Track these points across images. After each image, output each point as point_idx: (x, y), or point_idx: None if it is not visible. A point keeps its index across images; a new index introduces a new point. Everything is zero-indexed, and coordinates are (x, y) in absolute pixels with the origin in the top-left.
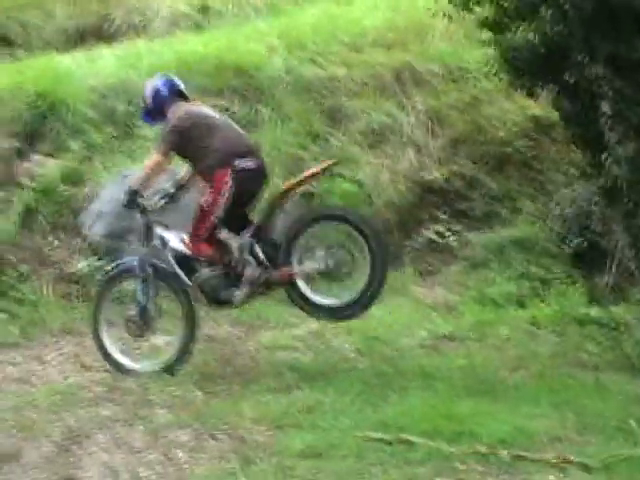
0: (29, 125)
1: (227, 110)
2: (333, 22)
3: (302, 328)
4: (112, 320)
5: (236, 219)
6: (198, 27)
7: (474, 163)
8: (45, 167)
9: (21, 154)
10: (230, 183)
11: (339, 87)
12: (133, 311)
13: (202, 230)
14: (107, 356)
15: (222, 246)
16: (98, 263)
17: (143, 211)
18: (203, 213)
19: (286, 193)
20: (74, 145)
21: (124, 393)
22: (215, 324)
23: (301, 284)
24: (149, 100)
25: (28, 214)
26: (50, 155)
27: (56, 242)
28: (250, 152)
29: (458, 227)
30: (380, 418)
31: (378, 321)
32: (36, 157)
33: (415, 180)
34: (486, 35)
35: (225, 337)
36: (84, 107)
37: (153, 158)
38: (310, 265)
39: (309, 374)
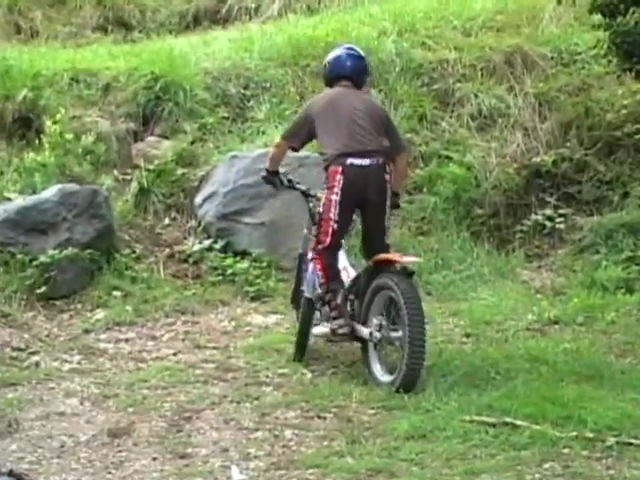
0: (144, 107)
1: None
2: (444, 6)
3: None
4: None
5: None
6: (310, 10)
7: (583, 147)
8: (159, 148)
9: (137, 135)
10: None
11: (449, 70)
12: None
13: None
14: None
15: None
16: (210, 243)
17: (303, 194)
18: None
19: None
20: (187, 127)
21: (234, 372)
22: None
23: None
24: None
25: (143, 194)
26: (164, 136)
27: (169, 222)
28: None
29: (567, 211)
30: (485, 401)
31: (486, 304)
32: (151, 138)
33: (523, 163)
34: (597, 18)
35: None
36: (198, 89)
37: None
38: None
39: None
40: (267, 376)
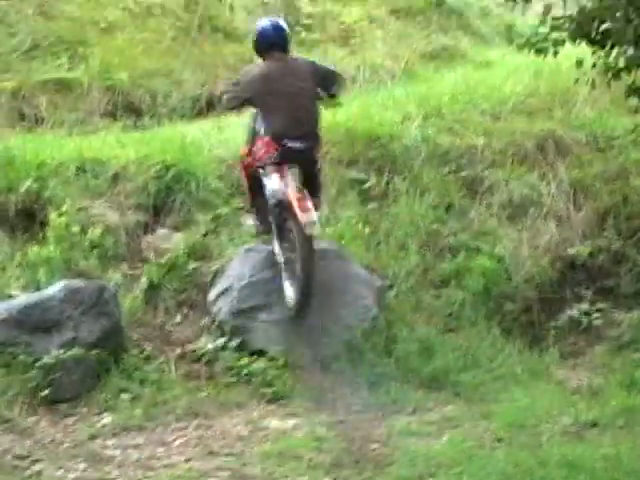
0: (155, 197)
1: (361, 183)
2: (472, 89)
3: (438, 413)
4: None
5: None
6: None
7: (621, 237)
8: (170, 241)
9: (147, 228)
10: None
11: (478, 157)
12: None
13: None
14: None
15: None
16: (224, 342)
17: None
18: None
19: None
20: (200, 218)
21: None
22: (346, 408)
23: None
24: None
25: (153, 290)
26: (176, 228)
27: (181, 319)
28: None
29: (604, 305)
30: None
31: (518, 406)
32: (162, 231)
33: (557, 255)
34: (634, 102)
35: (357, 422)
36: (211, 178)
37: None
38: None
39: (443, 462)
40: None
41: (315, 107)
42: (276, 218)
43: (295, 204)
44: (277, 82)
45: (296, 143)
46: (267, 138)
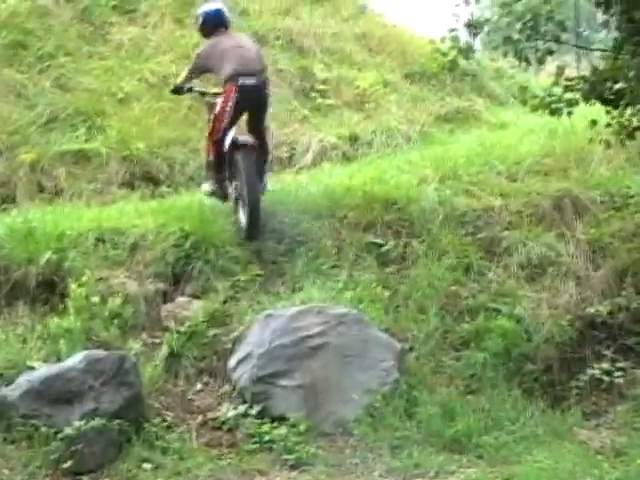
0: (174, 266)
1: (379, 246)
2: (487, 150)
3: (461, 476)
4: None
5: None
6: (346, 157)
7: None
8: (190, 309)
9: (166, 296)
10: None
11: (495, 218)
12: None
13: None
14: None
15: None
16: (245, 409)
17: (200, 93)
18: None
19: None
20: (219, 285)
21: None
22: (368, 473)
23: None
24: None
25: (173, 358)
26: (195, 296)
27: (201, 387)
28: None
29: (625, 364)
30: None
31: (541, 467)
32: (181, 299)
33: (577, 314)
34: None
35: None
36: (230, 246)
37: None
38: None
39: None
40: None
41: (260, 56)
42: (229, 162)
43: (239, 138)
44: (225, 44)
45: (250, 80)
46: (226, 87)
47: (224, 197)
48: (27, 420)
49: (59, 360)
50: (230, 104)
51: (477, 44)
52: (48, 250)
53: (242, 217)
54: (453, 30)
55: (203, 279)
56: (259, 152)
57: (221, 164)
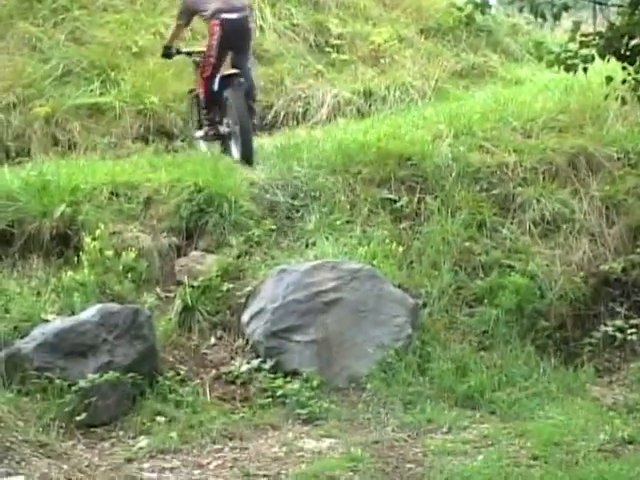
0: (188, 220)
1: (392, 202)
2: (502, 106)
3: (474, 432)
4: None
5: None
6: (361, 113)
7: None
8: (204, 263)
9: (180, 250)
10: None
11: (509, 175)
12: None
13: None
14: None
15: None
16: (258, 363)
17: (187, 54)
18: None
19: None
20: (233, 240)
21: None
22: (381, 428)
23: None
24: None
25: (187, 312)
26: (209, 251)
27: (215, 341)
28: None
29: (638, 321)
30: None
31: (554, 423)
32: (195, 253)
33: (591, 271)
34: None
35: (392, 441)
36: (243, 200)
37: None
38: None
39: None
40: None
41: None
42: (221, 96)
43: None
44: None
45: (232, 14)
46: (211, 23)
47: (217, 137)
48: (41, 373)
49: (73, 313)
50: (215, 38)
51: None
52: (62, 203)
53: (235, 151)
54: None
55: (217, 233)
56: (247, 89)
57: (211, 104)
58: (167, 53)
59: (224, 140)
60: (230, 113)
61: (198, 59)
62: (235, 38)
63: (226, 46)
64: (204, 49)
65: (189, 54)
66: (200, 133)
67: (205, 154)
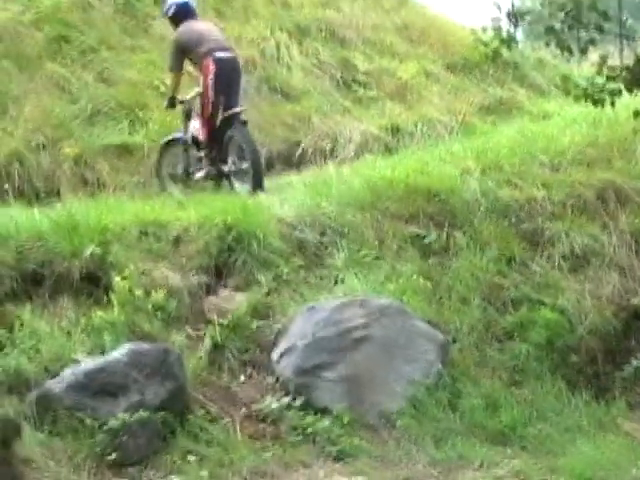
0: (217, 259)
1: (421, 238)
2: (530, 141)
3: (505, 468)
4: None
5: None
6: (388, 149)
7: None
8: (233, 301)
9: (209, 289)
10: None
11: (538, 209)
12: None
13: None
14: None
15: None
16: (288, 401)
17: (182, 102)
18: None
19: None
20: (262, 277)
21: None
22: (411, 465)
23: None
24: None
25: (216, 351)
26: (238, 288)
27: (245, 379)
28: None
29: None
30: None
31: (586, 459)
32: (224, 291)
33: (621, 305)
34: None
35: (422, 478)
36: (272, 238)
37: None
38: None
39: None
40: None
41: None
42: (225, 136)
43: (229, 112)
44: (198, 27)
45: (225, 53)
46: (204, 63)
47: (219, 177)
48: (72, 412)
49: (103, 353)
50: (211, 77)
51: (519, 34)
52: (92, 243)
53: (240, 185)
54: (495, 20)
55: (246, 271)
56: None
57: (214, 143)
58: (172, 103)
59: (227, 178)
60: (233, 151)
61: (187, 107)
62: (229, 76)
63: (222, 84)
64: (195, 93)
65: (182, 102)
66: (201, 174)
67: (179, 197)
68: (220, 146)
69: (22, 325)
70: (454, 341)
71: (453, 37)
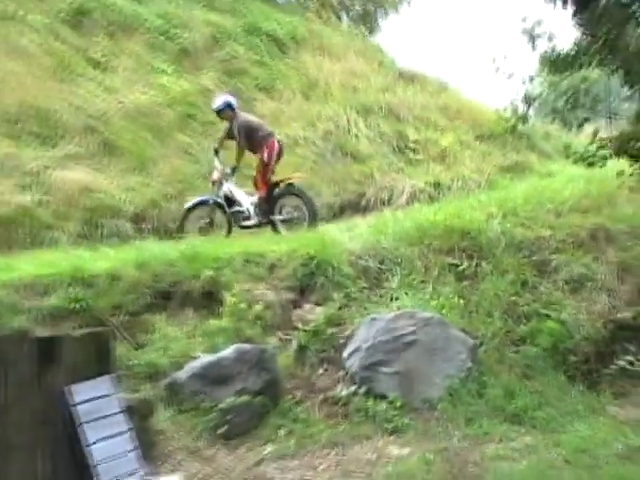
0: (301, 281)
1: (456, 266)
2: (539, 193)
3: (519, 441)
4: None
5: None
6: (431, 199)
7: None
8: (314, 313)
9: (296, 304)
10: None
11: (545, 245)
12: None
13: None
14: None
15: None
16: (355, 389)
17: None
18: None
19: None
20: (335, 295)
21: None
22: (448, 439)
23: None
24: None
25: (301, 351)
26: (318, 304)
27: (322, 372)
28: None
29: None
30: None
31: (581, 435)
32: (307, 305)
33: (608, 319)
34: None
35: (456, 449)
36: (343, 266)
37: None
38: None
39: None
40: None
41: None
42: (273, 194)
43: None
44: (250, 118)
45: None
46: (267, 143)
47: (266, 224)
48: (193, 396)
49: (216, 352)
50: (274, 152)
51: (531, 112)
52: (208, 269)
53: (283, 229)
54: (513, 102)
55: (323, 291)
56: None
57: (269, 198)
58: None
59: (273, 225)
60: (280, 205)
61: (219, 175)
62: (280, 153)
63: (276, 157)
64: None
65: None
66: (251, 222)
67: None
68: (270, 203)
69: (157, 330)
70: (481, 345)
71: (481, 115)
